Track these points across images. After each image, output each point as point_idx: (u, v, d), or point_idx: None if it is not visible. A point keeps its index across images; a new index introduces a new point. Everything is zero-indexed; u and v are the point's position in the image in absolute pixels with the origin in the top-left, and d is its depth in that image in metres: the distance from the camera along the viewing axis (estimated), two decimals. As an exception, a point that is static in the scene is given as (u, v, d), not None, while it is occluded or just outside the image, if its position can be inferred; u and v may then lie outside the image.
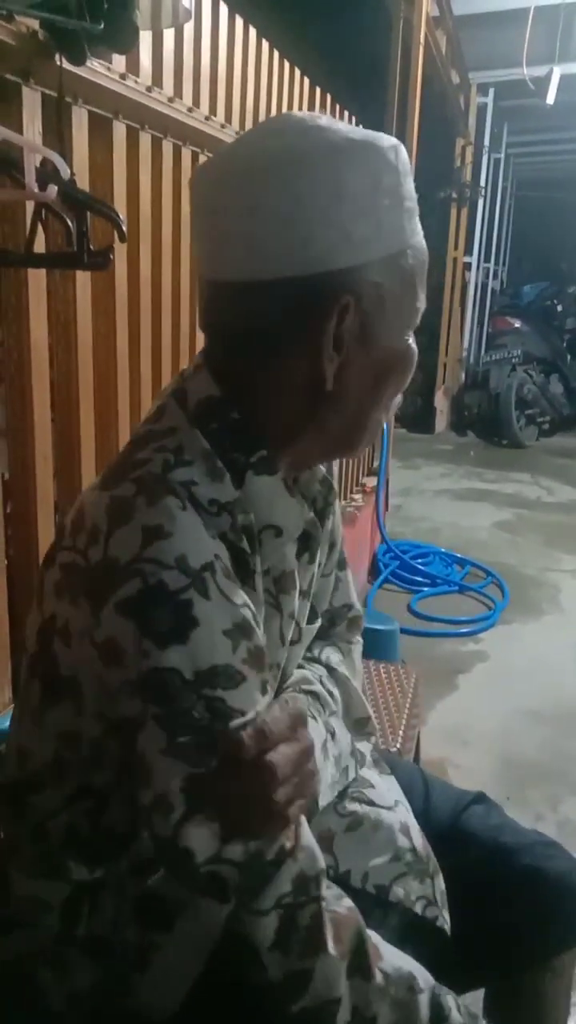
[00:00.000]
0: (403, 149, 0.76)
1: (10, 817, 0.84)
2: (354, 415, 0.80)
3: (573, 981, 1.07)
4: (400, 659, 2.71)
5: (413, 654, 2.93)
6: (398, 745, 1.64)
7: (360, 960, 0.73)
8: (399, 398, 0.86)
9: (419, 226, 0.78)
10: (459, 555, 4.02)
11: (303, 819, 0.73)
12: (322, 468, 0.91)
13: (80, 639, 0.71)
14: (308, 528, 0.86)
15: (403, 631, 2.99)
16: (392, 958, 0.76)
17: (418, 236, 0.78)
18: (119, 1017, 0.82)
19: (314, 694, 0.93)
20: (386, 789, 1.01)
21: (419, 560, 3.90)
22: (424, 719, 2.50)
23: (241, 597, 0.71)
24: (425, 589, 3.67)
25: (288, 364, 0.76)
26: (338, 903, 0.74)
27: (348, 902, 0.76)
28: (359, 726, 1.00)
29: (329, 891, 0.74)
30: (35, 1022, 0.82)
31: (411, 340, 0.80)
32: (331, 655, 1.01)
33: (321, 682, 0.97)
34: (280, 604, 0.83)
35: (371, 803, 0.96)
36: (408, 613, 3.43)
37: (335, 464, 1.01)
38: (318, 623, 0.99)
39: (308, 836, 0.73)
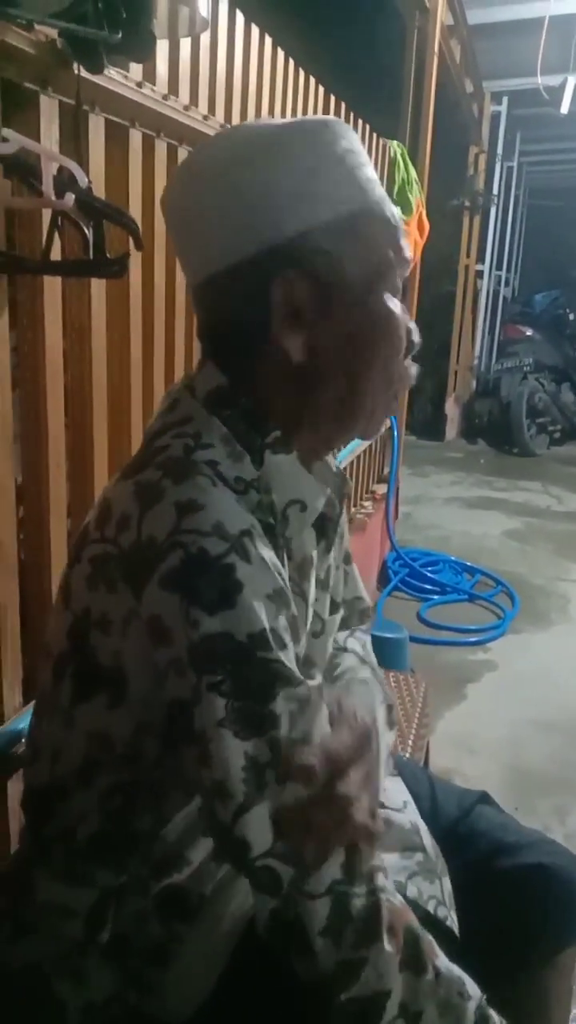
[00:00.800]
0: (335, 122, 0.80)
1: (37, 822, 0.85)
2: (345, 387, 0.80)
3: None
4: (409, 667, 2.70)
5: (422, 662, 2.93)
6: (408, 753, 1.64)
7: (414, 954, 0.72)
8: (412, 368, 0.86)
9: (375, 189, 0.80)
10: (469, 563, 4.01)
11: None
12: (335, 461, 0.92)
13: (124, 625, 0.72)
14: (326, 510, 0.86)
15: (412, 639, 2.98)
16: (445, 959, 0.75)
17: (372, 198, 0.79)
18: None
19: (366, 683, 0.95)
20: (395, 791, 1.01)
21: (429, 568, 3.90)
22: (432, 727, 2.50)
23: (277, 564, 0.72)
24: (435, 597, 3.66)
25: (266, 349, 0.78)
26: (394, 895, 0.74)
27: (401, 897, 0.76)
28: (386, 713, 1.01)
29: (387, 882, 0.74)
30: None
31: (391, 301, 0.80)
32: (355, 645, 1.03)
33: (365, 669, 0.99)
34: (304, 591, 0.84)
35: (381, 804, 0.97)
36: (417, 621, 3.42)
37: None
38: (340, 614, 1.00)
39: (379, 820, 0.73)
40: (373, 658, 1.05)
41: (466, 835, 1.05)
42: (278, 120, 0.80)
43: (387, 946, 0.70)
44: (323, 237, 0.76)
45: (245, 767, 0.66)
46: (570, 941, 1.01)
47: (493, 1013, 0.76)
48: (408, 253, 0.81)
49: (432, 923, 0.90)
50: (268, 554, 0.71)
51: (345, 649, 1.02)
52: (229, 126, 2.02)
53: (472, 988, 0.76)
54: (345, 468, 0.87)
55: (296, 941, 0.68)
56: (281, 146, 0.77)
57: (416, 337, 0.84)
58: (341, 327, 0.78)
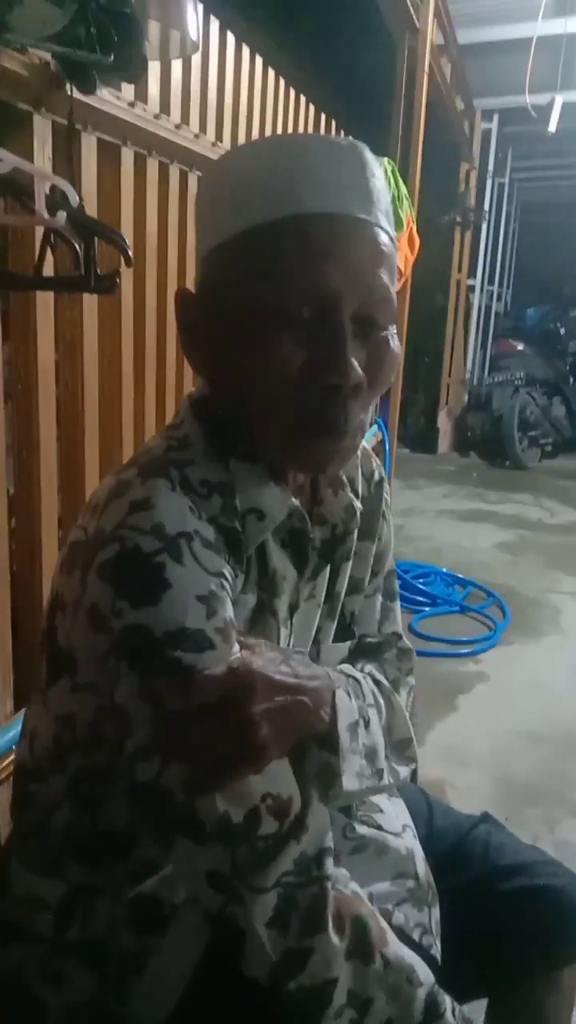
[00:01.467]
0: (232, 154, 0.83)
1: (19, 807, 0.86)
2: (247, 410, 0.78)
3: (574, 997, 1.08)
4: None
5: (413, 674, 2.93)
6: (395, 763, 1.65)
7: (361, 943, 0.74)
8: (326, 414, 0.75)
9: (284, 204, 0.72)
10: (460, 575, 4.03)
11: (315, 798, 0.75)
12: (350, 495, 0.90)
13: (74, 609, 0.74)
14: (298, 524, 0.85)
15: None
16: (396, 947, 0.77)
17: (273, 215, 0.72)
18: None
19: (354, 679, 0.89)
20: (395, 815, 1.00)
21: (420, 580, 3.91)
22: (423, 739, 2.51)
23: (219, 567, 0.73)
24: (426, 609, 3.68)
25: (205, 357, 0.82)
26: (345, 885, 0.75)
27: (355, 886, 0.77)
28: (401, 748, 0.92)
29: (336, 871, 0.75)
30: None
31: (268, 334, 0.73)
32: (376, 672, 0.95)
33: (364, 677, 0.92)
34: (273, 608, 0.84)
35: (379, 828, 0.96)
36: (409, 633, 3.43)
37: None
38: (347, 644, 0.97)
39: (317, 815, 0.74)
40: (400, 691, 0.97)
41: (464, 858, 1.04)
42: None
43: (333, 936, 0.71)
44: (219, 255, 0.76)
45: (157, 734, 0.69)
46: (568, 960, 1.01)
47: (445, 999, 0.77)
48: (315, 279, 0.71)
49: (415, 949, 0.91)
50: (210, 558, 0.72)
51: (361, 671, 0.94)
52: (219, 145, 2.05)
53: (424, 975, 0.77)
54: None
55: (243, 934, 0.70)
56: (232, 159, 0.81)
57: (343, 367, 0.72)
58: (222, 353, 0.78)
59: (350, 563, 0.95)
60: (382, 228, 0.75)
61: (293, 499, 0.83)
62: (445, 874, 0.98)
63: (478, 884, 1.01)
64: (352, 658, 0.97)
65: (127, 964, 0.82)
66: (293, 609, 0.88)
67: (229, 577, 0.75)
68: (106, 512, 0.73)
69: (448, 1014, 0.77)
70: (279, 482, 0.82)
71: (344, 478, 0.91)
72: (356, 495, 0.93)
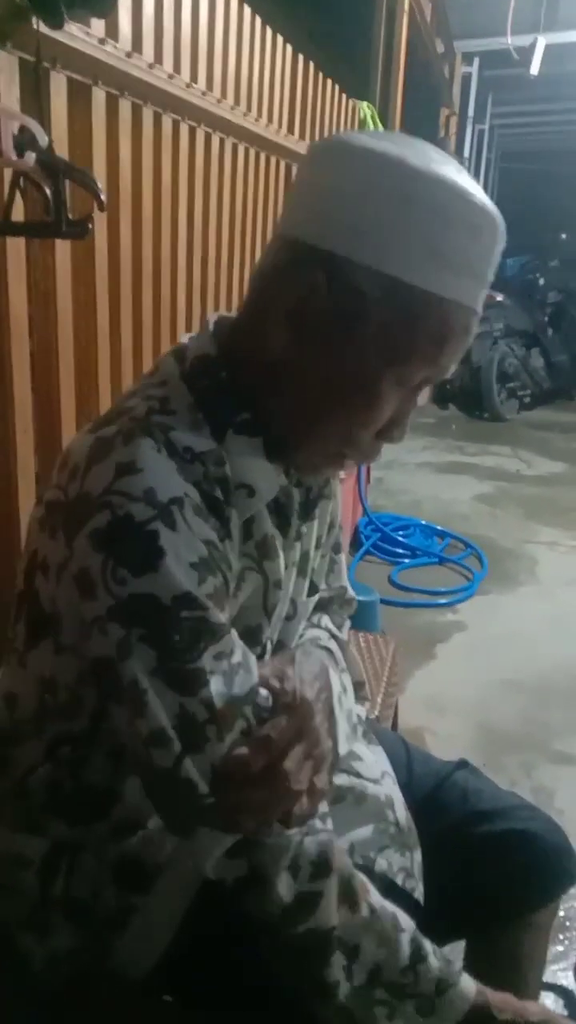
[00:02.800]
0: (493, 217, 0.74)
1: None
2: (299, 413, 0.78)
3: (550, 936, 1.11)
4: (380, 629, 2.74)
5: (393, 624, 2.96)
6: (376, 713, 1.67)
7: (349, 892, 0.77)
8: (376, 450, 0.82)
9: (469, 292, 0.75)
10: (440, 527, 4.05)
11: None
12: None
13: (58, 572, 0.73)
14: (281, 497, 0.85)
15: (383, 602, 3.02)
16: (377, 895, 0.80)
17: (455, 295, 0.73)
18: (97, 976, 0.84)
19: (328, 650, 0.95)
20: (373, 761, 1.02)
21: (400, 532, 3.93)
22: (402, 688, 2.54)
23: (208, 535, 0.72)
24: (405, 561, 3.70)
25: (265, 327, 0.78)
26: (334, 837, 0.78)
27: (339, 841, 0.80)
28: (356, 689, 1.02)
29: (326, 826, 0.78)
30: (16, 985, 0.84)
31: (392, 381, 0.76)
32: (329, 623, 1.04)
33: (329, 641, 0.99)
34: (264, 570, 0.84)
35: (358, 775, 0.98)
36: (388, 584, 3.46)
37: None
38: (315, 598, 1.01)
39: (322, 777, 0.77)
40: (344, 636, 1.05)
41: (442, 803, 1.06)
42: (454, 170, 0.74)
43: (334, 883, 0.75)
44: (373, 280, 0.71)
45: (179, 716, 0.69)
46: (545, 901, 1.04)
47: (425, 942, 0.80)
48: (449, 365, 0.77)
49: (398, 894, 0.92)
50: (199, 525, 0.71)
51: (318, 625, 1.02)
52: (216, 92, 1.99)
53: (405, 921, 0.80)
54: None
55: (258, 876, 0.73)
56: (419, 186, 0.71)
57: (398, 436, 0.81)
58: (329, 362, 0.76)
59: (316, 522, 0.95)
60: None
61: (284, 477, 0.83)
62: (424, 820, 1.01)
63: (456, 829, 1.03)
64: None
65: (110, 921, 0.83)
66: (287, 570, 0.88)
67: (218, 544, 0.74)
68: (90, 475, 0.71)
69: (431, 956, 0.79)
70: (272, 459, 0.81)
71: None
72: None
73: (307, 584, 0.96)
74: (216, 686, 0.70)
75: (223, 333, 0.82)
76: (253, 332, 0.79)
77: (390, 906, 0.80)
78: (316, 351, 0.76)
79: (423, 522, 4.10)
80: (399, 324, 0.73)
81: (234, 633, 0.73)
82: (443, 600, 3.36)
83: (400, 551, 3.78)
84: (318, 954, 0.75)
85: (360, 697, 1.04)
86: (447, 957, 0.81)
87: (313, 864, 0.74)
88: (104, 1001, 0.86)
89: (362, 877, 0.79)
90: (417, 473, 5.28)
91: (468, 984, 0.80)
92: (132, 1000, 0.87)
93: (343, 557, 1.09)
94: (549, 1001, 1.45)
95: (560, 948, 1.69)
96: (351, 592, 1.11)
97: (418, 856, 0.97)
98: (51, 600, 0.76)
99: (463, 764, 1.13)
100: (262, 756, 0.70)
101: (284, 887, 0.73)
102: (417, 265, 0.71)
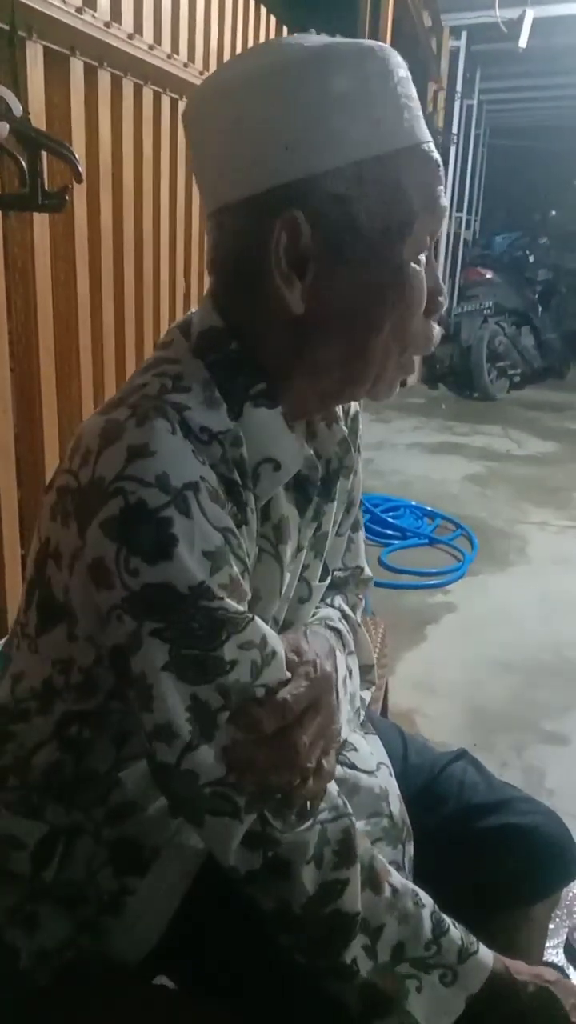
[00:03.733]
0: (380, 53, 0.70)
1: None
2: (347, 345, 0.75)
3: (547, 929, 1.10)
4: (370, 611, 2.72)
5: (383, 606, 2.95)
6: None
7: (371, 875, 0.76)
8: (434, 330, 0.79)
9: (415, 130, 0.71)
10: (430, 508, 4.04)
11: None
12: (343, 429, 0.88)
13: (71, 561, 0.71)
14: (307, 471, 0.82)
15: (374, 583, 3.00)
16: (396, 875, 0.79)
17: (414, 138, 0.71)
18: (87, 970, 0.83)
19: (337, 631, 0.93)
20: (369, 752, 1.00)
21: (390, 513, 3.91)
22: (393, 669, 2.53)
23: (224, 522, 0.69)
24: (396, 542, 3.69)
25: (266, 294, 0.73)
26: (353, 818, 0.77)
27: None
28: (363, 673, 1.01)
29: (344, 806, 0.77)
30: (2, 981, 0.82)
31: (413, 257, 0.73)
32: (343, 603, 1.02)
33: (340, 621, 0.97)
34: (279, 554, 0.82)
35: (352, 766, 0.95)
36: (379, 565, 3.44)
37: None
38: (328, 580, 0.99)
39: (331, 759, 0.77)
40: (357, 617, 1.03)
41: (439, 795, 1.04)
42: (318, 39, 0.70)
43: (357, 869, 0.74)
44: (340, 180, 0.68)
45: (191, 708, 0.66)
46: (542, 895, 1.03)
47: (444, 916, 0.79)
48: (444, 203, 0.74)
49: None
50: (214, 511, 0.68)
51: (331, 604, 1.00)
52: (199, 64, 1.94)
53: (424, 897, 0.79)
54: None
55: (282, 868, 0.71)
56: (309, 72, 0.68)
57: (443, 298, 0.78)
58: (350, 280, 0.72)
59: (335, 502, 0.92)
60: None
61: (307, 447, 0.80)
62: (420, 811, 0.99)
63: (453, 822, 1.01)
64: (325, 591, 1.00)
65: (104, 904, 0.82)
66: (296, 552, 0.86)
67: (234, 530, 0.71)
68: (101, 459, 0.67)
69: (452, 928, 0.78)
70: (294, 429, 0.78)
71: (338, 412, 0.88)
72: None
73: (321, 566, 0.94)
74: (237, 675, 0.68)
75: (222, 306, 0.77)
76: (256, 306, 0.74)
77: (408, 883, 0.79)
78: (332, 282, 0.72)
79: (413, 503, 4.08)
80: (389, 199, 0.70)
81: (259, 622, 0.70)
82: (433, 581, 3.34)
83: (390, 532, 3.77)
84: (341, 938, 0.74)
85: (367, 681, 1.02)
86: (466, 930, 0.81)
87: (336, 853, 0.73)
88: (95, 991, 0.84)
89: (381, 858, 0.78)
90: (407, 454, 5.26)
91: (486, 952, 0.80)
92: (123, 988, 0.86)
93: (360, 535, 1.07)
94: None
95: (551, 926, 1.69)
96: (368, 571, 1.09)
97: (410, 849, 0.96)
98: (64, 589, 0.73)
99: (461, 754, 1.11)
100: (276, 718, 0.69)
101: (309, 879, 0.72)
102: (365, 137, 0.69)
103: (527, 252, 8.25)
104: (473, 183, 9.07)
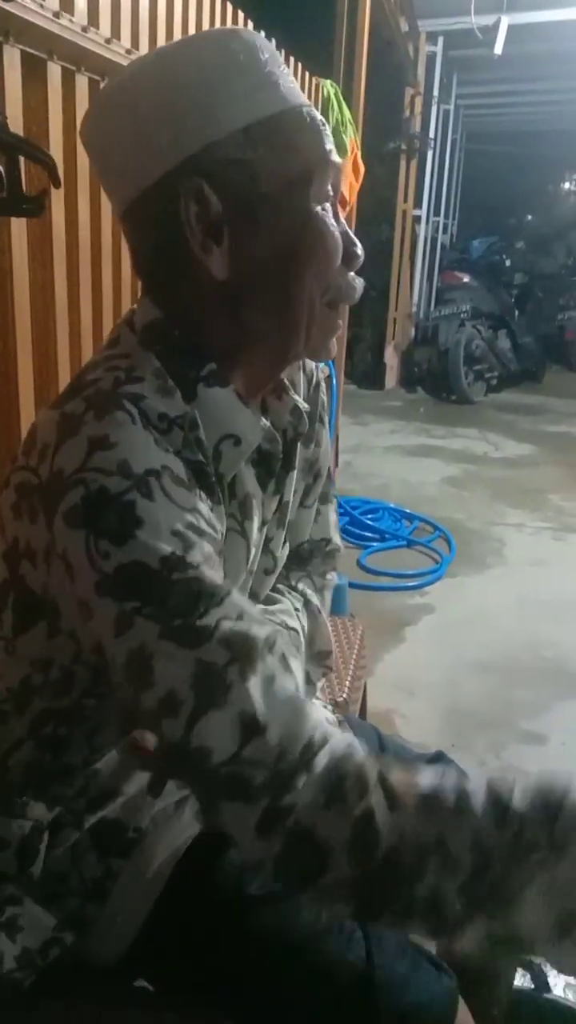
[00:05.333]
0: (245, 35, 0.76)
1: None
2: (277, 305, 0.77)
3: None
4: (348, 613, 2.74)
5: (362, 608, 2.96)
6: (344, 695, 1.67)
7: (390, 794, 0.65)
8: (355, 282, 0.81)
9: (293, 92, 0.75)
10: (408, 510, 4.06)
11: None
12: (294, 397, 0.89)
13: (46, 556, 0.71)
14: (268, 445, 0.84)
15: (352, 586, 3.02)
16: (417, 780, 0.67)
17: (291, 101, 0.74)
18: (69, 970, 0.83)
19: (295, 631, 0.94)
20: None
21: (368, 516, 3.93)
22: (371, 671, 2.54)
23: (192, 503, 0.69)
24: (374, 544, 3.70)
25: (193, 274, 0.76)
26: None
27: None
28: (320, 658, 1.02)
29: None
30: None
31: (318, 208, 0.76)
32: (307, 587, 1.02)
33: (298, 616, 0.97)
34: (245, 531, 0.83)
35: None
36: (357, 568, 3.46)
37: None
38: (286, 548, 0.99)
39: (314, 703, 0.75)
40: (319, 600, 1.03)
41: None
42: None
43: (376, 794, 0.64)
44: (234, 146, 0.72)
45: (196, 673, 0.64)
46: None
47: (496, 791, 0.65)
48: (335, 159, 0.77)
49: None
50: (180, 493, 0.69)
51: (294, 588, 1.00)
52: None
53: (463, 784, 0.66)
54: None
55: (304, 837, 0.63)
56: (184, 58, 0.74)
57: (359, 249, 0.80)
58: (263, 239, 0.75)
59: (296, 471, 0.94)
60: None
61: (264, 420, 0.82)
62: None
63: None
64: (288, 565, 1.01)
65: (89, 893, 0.82)
66: (261, 528, 0.87)
67: (205, 512, 0.71)
68: (61, 452, 0.68)
69: (513, 801, 0.64)
70: (248, 405, 0.80)
71: (286, 381, 0.89)
72: (300, 396, 0.92)
73: (284, 535, 0.95)
74: (228, 625, 0.65)
75: (157, 298, 0.80)
76: (184, 280, 0.77)
77: (434, 782, 0.66)
78: (249, 242, 0.75)
79: (391, 505, 4.10)
80: (283, 155, 0.74)
81: (236, 594, 0.68)
82: (412, 583, 3.36)
83: (368, 535, 3.78)
84: (406, 873, 0.62)
85: (324, 667, 1.03)
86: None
87: (349, 787, 0.64)
88: (78, 994, 0.85)
89: (396, 769, 0.67)
90: (385, 456, 5.29)
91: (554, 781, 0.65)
92: (106, 990, 0.87)
93: (330, 508, 1.07)
94: (517, 977, 1.46)
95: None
96: (335, 543, 1.09)
97: None
98: (43, 586, 0.73)
99: (438, 756, 1.12)
100: None
101: (334, 825, 0.63)
102: (248, 103, 0.73)
103: (504, 256, 8.31)
104: (450, 188, 9.13)
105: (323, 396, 1.00)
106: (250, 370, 0.81)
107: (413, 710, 2.45)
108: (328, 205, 0.77)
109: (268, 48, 0.75)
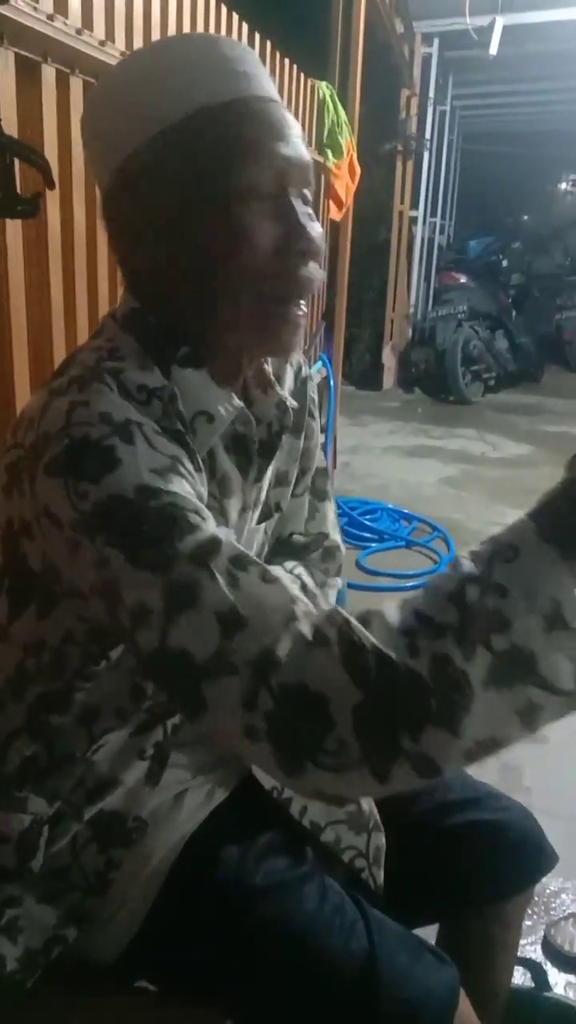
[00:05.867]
0: (183, 36, 0.80)
1: None
2: (202, 301, 0.79)
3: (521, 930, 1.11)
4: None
5: (361, 608, 2.95)
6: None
7: (382, 627, 0.63)
8: (307, 270, 0.79)
9: (221, 91, 0.75)
10: (406, 511, 4.06)
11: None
12: (280, 392, 0.90)
13: (37, 520, 0.71)
14: (242, 428, 0.85)
15: (351, 586, 3.01)
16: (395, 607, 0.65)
17: (199, 99, 0.75)
18: (70, 970, 0.83)
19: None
20: None
21: (367, 516, 3.93)
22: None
23: (172, 450, 0.71)
24: (373, 545, 3.70)
25: (148, 264, 0.80)
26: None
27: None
28: None
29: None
30: None
31: (242, 201, 0.76)
32: (303, 575, 1.00)
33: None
34: (225, 509, 0.84)
35: None
36: (356, 568, 3.46)
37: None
38: (265, 524, 0.97)
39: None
40: (318, 592, 1.01)
41: (411, 792, 1.05)
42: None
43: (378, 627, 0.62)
44: (147, 154, 0.76)
45: (165, 588, 0.63)
46: (515, 892, 1.04)
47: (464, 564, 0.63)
48: (277, 150, 0.76)
49: (344, 870, 0.92)
50: (160, 441, 0.70)
51: (290, 572, 0.99)
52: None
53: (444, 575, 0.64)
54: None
55: (299, 695, 0.60)
56: (122, 70, 0.82)
57: (306, 242, 0.77)
58: (195, 232, 0.77)
59: (276, 459, 0.95)
60: None
61: (238, 401, 0.83)
62: (392, 807, 0.98)
63: (426, 818, 1.01)
64: (282, 557, 1.01)
65: (90, 886, 0.83)
66: (242, 513, 0.88)
67: (188, 464, 0.72)
68: (45, 419, 0.70)
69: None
70: (222, 385, 0.82)
71: (271, 376, 0.91)
72: (285, 390, 0.94)
73: (257, 513, 0.94)
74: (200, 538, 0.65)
75: (134, 291, 0.84)
76: (145, 272, 0.81)
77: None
78: (182, 238, 0.77)
79: (390, 506, 4.10)
80: (181, 161, 0.75)
81: (224, 533, 0.67)
82: (410, 583, 3.36)
83: (367, 535, 3.78)
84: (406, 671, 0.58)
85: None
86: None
87: (332, 635, 0.61)
88: (81, 993, 0.85)
89: (376, 610, 0.64)
90: (383, 457, 5.29)
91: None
92: (107, 989, 0.86)
93: (328, 506, 1.09)
94: (517, 975, 1.46)
95: (528, 923, 1.71)
96: (335, 540, 1.08)
97: (378, 841, 0.95)
98: (40, 555, 0.74)
99: None
100: None
101: (343, 680, 0.59)
102: (163, 109, 0.76)
103: (500, 256, 8.32)
104: (447, 188, 9.14)
105: (312, 392, 1.02)
106: (224, 355, 0.83)
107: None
108: (277, 197, 0.77)
109: (227, 44, 0.79)
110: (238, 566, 0.64)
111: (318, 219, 0.82)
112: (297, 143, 0.78)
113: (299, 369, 1.00)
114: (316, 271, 0.80)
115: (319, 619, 0.63)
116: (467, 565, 0.61)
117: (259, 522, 0.95)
